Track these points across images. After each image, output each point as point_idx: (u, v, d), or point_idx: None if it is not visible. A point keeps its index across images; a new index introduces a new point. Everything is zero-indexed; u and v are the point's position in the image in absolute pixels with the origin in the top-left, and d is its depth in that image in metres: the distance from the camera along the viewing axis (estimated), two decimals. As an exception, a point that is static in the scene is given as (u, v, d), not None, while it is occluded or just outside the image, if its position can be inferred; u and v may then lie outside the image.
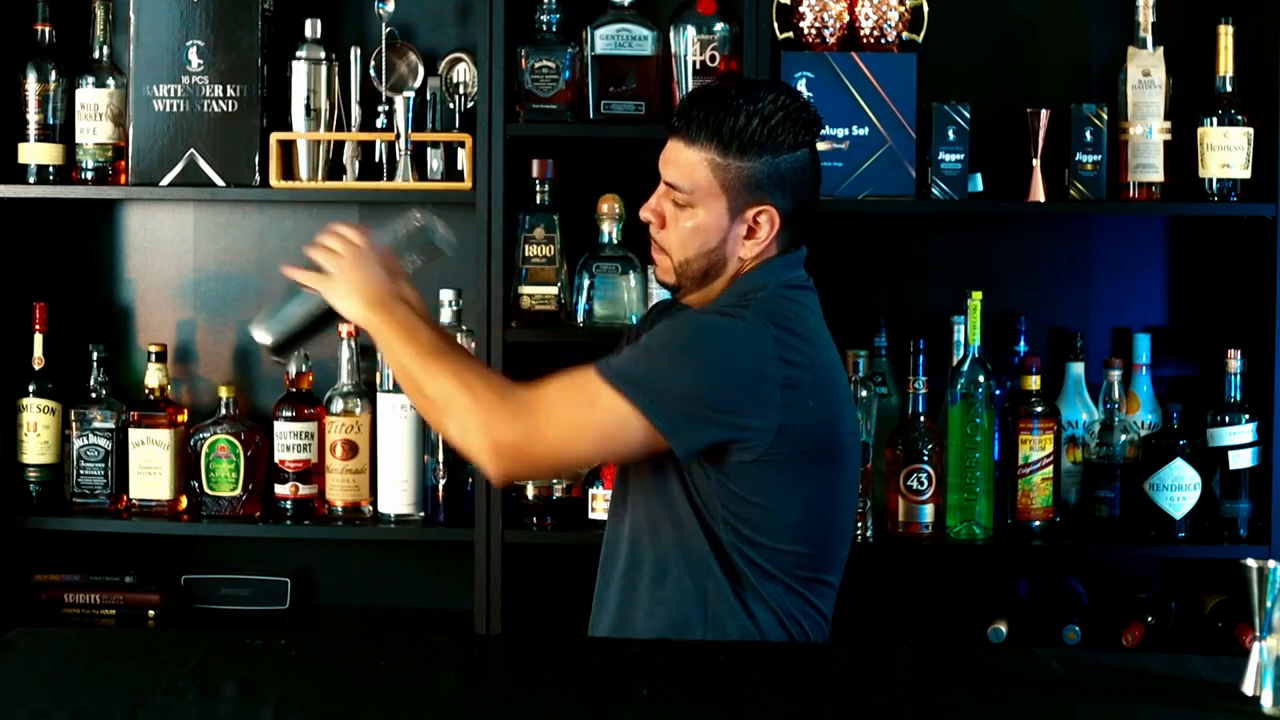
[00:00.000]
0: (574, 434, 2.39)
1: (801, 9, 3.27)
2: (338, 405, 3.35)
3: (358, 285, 2.46)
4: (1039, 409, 3.27)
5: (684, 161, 2.47)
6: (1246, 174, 3.25)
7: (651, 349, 2.41)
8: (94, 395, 3.39)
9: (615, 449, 2.41)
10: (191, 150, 3.33)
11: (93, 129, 3.36)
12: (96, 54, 3.38)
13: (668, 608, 2.47)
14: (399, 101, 3.30)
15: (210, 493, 3.36)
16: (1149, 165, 3.26)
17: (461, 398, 2.39)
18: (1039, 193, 3.28)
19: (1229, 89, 3.26)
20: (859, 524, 3.17)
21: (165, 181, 3.34)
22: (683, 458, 2.39)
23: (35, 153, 3.36)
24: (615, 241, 3.31)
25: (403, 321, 2.45)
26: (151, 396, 3.37)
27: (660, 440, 2.37)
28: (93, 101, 3.36)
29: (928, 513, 3.24)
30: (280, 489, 3.36)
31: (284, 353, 2.55)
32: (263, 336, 2.53)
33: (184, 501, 3.38)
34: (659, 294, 3.24)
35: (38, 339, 3.39)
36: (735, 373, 2.38)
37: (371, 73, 3.37)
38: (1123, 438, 3.28)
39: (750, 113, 2.44)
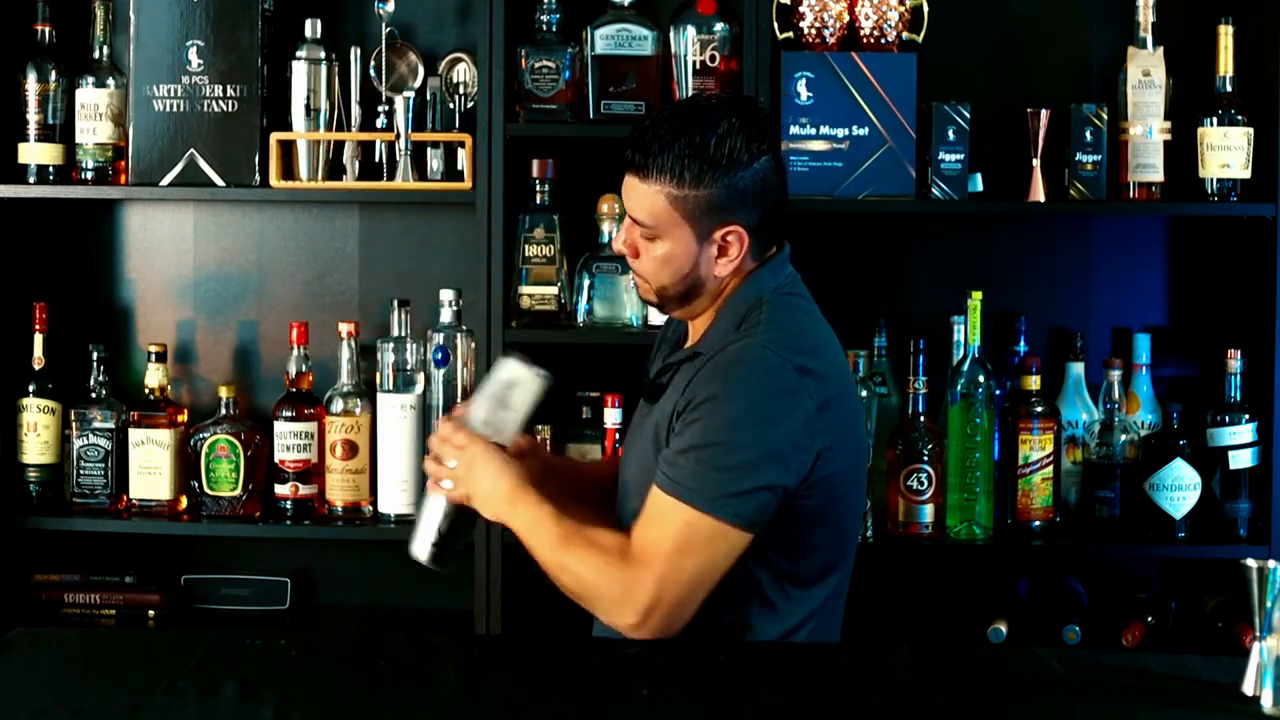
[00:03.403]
0: (688, 566, 2.35)
1: (801, 9, 3.27)
2: (338, 405, 3.35)
3: (487, 492, 2.48)
4: (1039, 409, 3.27)
5: (642, 197, 2.46)
6: (1246, 174, 3.25)
7: (698, 448, 2.37)
8: (94, 395, 3.39)
9: (722, 560, 2.36)
10: (191, 150, 3.33)
11: (93, 129, 3.36)
12: (96, 54, 3.38)
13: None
14: (399, 101, 3.30)
15: (210, 493, 3.36)
16: (1149, 165, 3.26)
17: (592, 590, 2.39)
18: (1039, 193, 3.28)
19: (1229, 89, 3.26)
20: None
21: (165, 181, 3.34)
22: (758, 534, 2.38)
23: (35, 153, 3.36)
24: (615, 241, 3.31)
25: (529, 519, 2.44)
26: (151, 396, 3.37)
27: (747, 534, 2.36)
28: (93, 101, 3.36)
29: (928, 513, 3.24)
30: (280, 489, 3.36)
31: (444, 561, 2.59)
32: (420, 556, 2.57)
33: (184, 501, 3.38)
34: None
35: (38, 339, 3.39)
36: (777, 433, 2.36)
37: (371, 73, 3.37)
38: (1123, 438, 3.28)
39: (699, 141, 2.41)
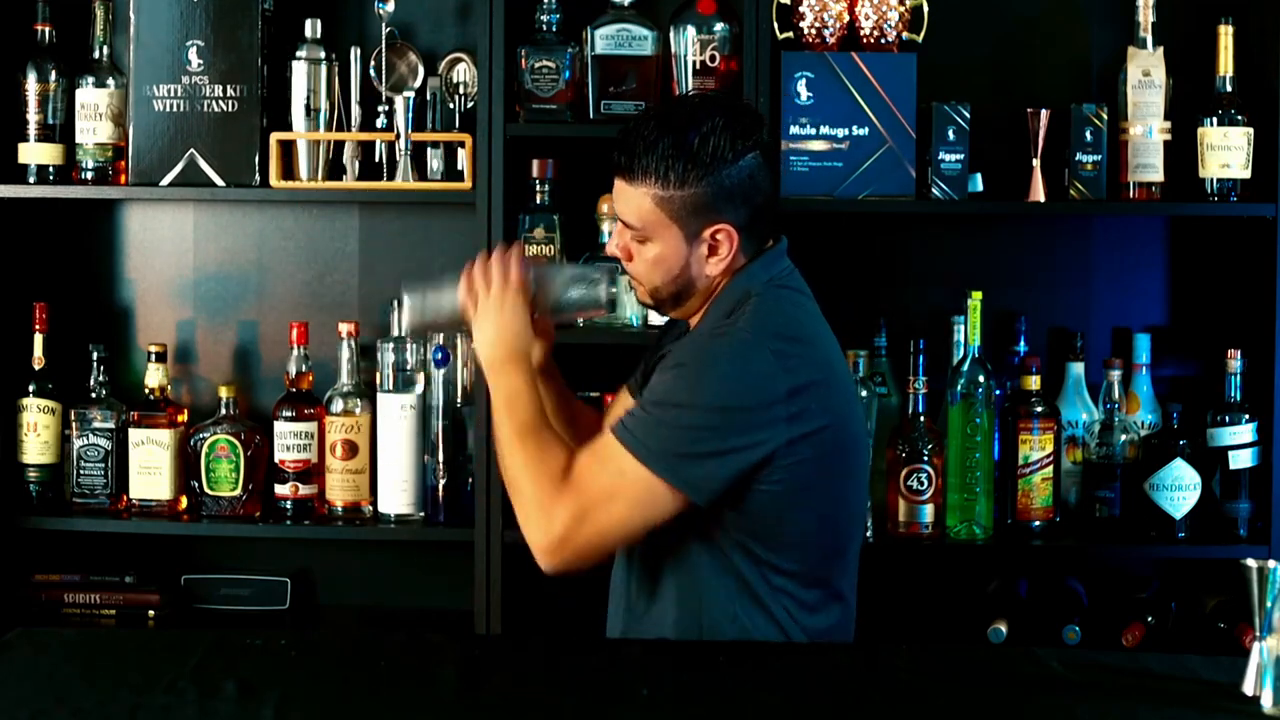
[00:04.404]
0: (612, 511, 2.38)
1: (801, 9, 3.27)
2: (338, 405, 3.35)
3: (490, 336, 2.51)
4: (1039, 409, 3.27)
5: (630, 199, 2.47)
6: (1246, 174, 3.25)
7: (658, 404, 2.40)
8: (94, 395, 3.39)
9: (650, 516, 2.39)
10: (191, 150, 3.33)
11: (93, 129, 3.36)
12: (96, 54, 3.38)
13: (674, 627, 2.48)
14: (399, 101, 3.30)
15: (210, 493, 3.36)
16: (1149, 165, 3.26)
17: (525, 488, 2.42)
18: (1039, 193, 3.28)
19: (1229, 89, 3.26)
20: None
21: (165, 181, 3.34)
22: (704, 506, 2.39)
23: (35, 153, 3.36)
24: (615, 241, 3.31)
25: (510, 391, 2.47)
26: (151, 396, 3.37)
27: (685, 499, 2.37)
28: (93, 101, 3.36)
29: (928, 513, 3.24)
30: (280, 489, 3.36)
31: (417, 320, 2.66)
32: (409, 313, 2.62)
33: (184, 501, 3.38)
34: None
35: (38, 339, 3.39)
36: (739, 407, 2.37)
37: (371, 73, 3.37)
38: (1123, 438, 3.28)
39: (683, 141, 2.42)
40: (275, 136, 3.30)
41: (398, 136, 3.30)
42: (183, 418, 3.41)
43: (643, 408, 2.41)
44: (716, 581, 2.44)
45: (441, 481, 3.31)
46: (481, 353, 2.53)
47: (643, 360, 2.76)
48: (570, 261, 3.29)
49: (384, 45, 3.36)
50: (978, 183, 3.29)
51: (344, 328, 3.36)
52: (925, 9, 3.30)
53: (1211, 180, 3.25)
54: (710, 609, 2.44)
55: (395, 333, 3.33)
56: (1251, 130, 3.24)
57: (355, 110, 3.35)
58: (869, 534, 3.21)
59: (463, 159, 3.30)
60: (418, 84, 3.40)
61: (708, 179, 2.43)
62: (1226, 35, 3.24)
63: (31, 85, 3.36)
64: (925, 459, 3.23)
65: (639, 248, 2.50)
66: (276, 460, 3.36)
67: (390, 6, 3.34)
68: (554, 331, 2.64)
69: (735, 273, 2.50)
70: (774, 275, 2.50)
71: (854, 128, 3.26)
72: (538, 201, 3.30)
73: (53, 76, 3.37)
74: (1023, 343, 3.39)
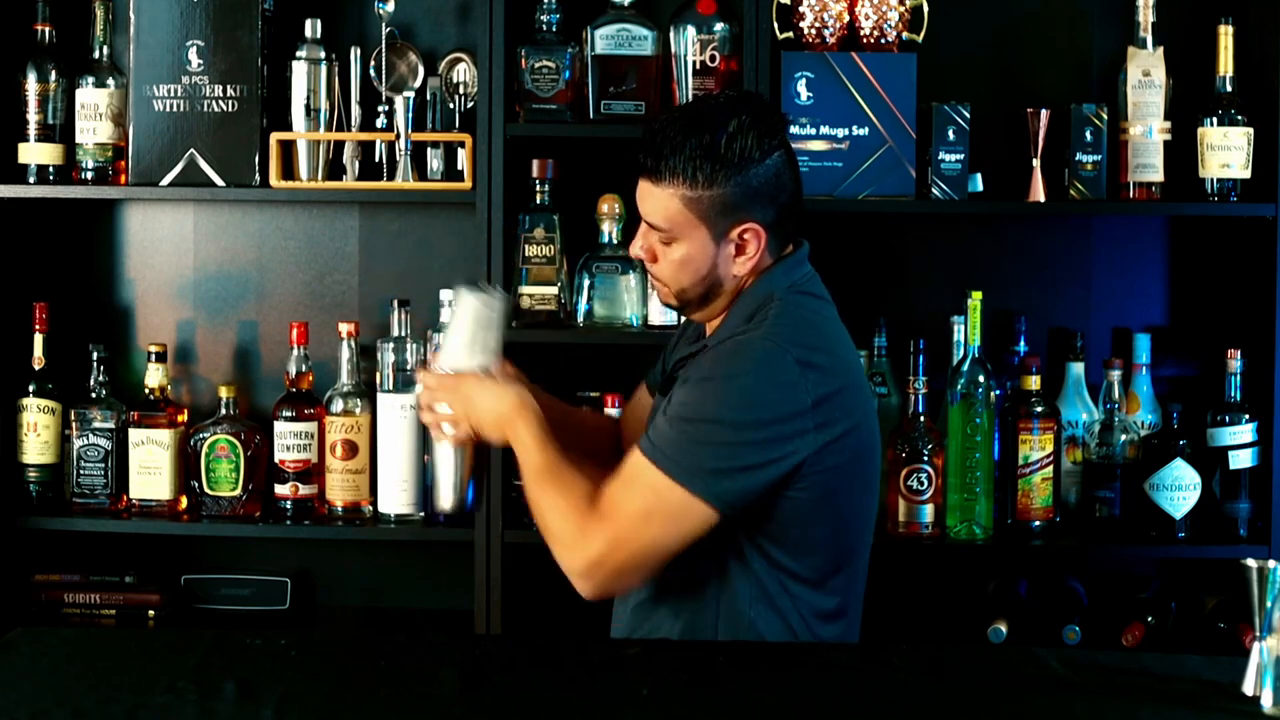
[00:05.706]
0: (647, 531, 2.37)
1: (801, 9, 3.27)
2: (338, 405, 3.35)
3: (487, 420, 2.51)
4: (1039, 409, 3.27)
5: (657, 200, 2.46)
6: (1246, 174, 3.25)
7: (687, 420, 2.39)
8: (94, 395, 3.39)
9: (685, 532, 2.37)
10: (191, 150, 3.33)
11: (93, 129, 3.36)
12: (96, 54, 3.38)
13: (685, 628, 2.48)
14: (399, 101, 3.30)
15: (210, 493, 3.36)
16: (1149, 165, 3.26)
17: (553, 526, 2.42)
18: (1039, 193, 3.28)
19: (1229, 89, 3.26)
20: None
21: (165, 181, 3.34)
22: (733, 516, 2.39)
23: (35, 153, 3.36)
24: (615, 241, 3.31)
25: (523, 442, 2.47)
26: (151, 396, 3.37)
27: (718, 513, 2.37)
28: (93, 101, 3.36)
29: (928, 513, 3.24)
30: (280, 489, 3.36)
31: (472, 505, 2.65)
32: (446, 506, 2.62)
33: (184, 501, 3.38)
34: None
35: (38, 339, 3.39)
36: (768, 420, 2.37)
37: (371, 73, 3.37)
38: (1123, 438, 3.28)
39: (709, 141, 2.42)
40: (275, 136, 3.30)
41: (398, 136, 3.30)
42: (183, 418, 3.41)
43: (670, 424, 2.39)
44: (733, 586, 2.44)
45: (441, 481, 3.31)
46: (497, 434, 2.51)
47: (660, 357, 2.75)
48: (569, 265, 3.31)
49: (384, 45, 3.36)
50: (978, 183, 3.29)
51: (344, 328, 3.36)
52: (925, 9, 3.30)
53: (1211, 180, 3.25)
54: (725, 613, 2.44)
55: (395, 333, 3.33)
56: (1251, 130, 3.24)
57: (355, 110, 3.35)
58: (869, 534, 3.21)
59: (463, 159, 3.30)
60: (418, 84, 3.40)
61: (736, 178, 2.43)
62: (1226, 35, 3.24)
63: (31, 85, 3.36)
64: (925, 459, 3.23)
65: (665, 249, 2.49)
66: (276, 460, 3.36)
67: (390, 6, 3.34)
68: (511, 369, 2.59)
69: (760, 274, 2.49)
70: (795, 281, 2.50)
71: (854, 128, 3.26)
72: (537, 201, 3.30)
73: (53, 76, 3.37)
74: (1023, 343, 3.39)
